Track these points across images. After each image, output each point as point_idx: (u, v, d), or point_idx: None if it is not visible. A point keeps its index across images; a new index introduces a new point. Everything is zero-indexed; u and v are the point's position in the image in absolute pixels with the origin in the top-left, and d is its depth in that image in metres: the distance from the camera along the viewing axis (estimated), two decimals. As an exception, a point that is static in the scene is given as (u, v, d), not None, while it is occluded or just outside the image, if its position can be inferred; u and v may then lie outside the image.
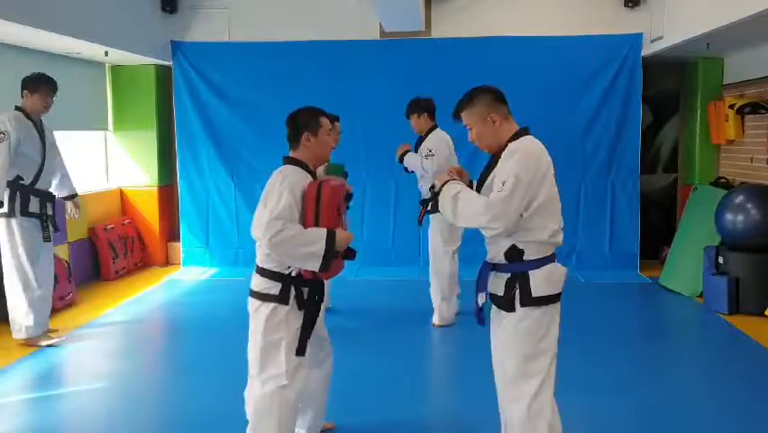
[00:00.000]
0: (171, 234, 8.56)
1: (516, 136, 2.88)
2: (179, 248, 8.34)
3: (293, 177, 3.00)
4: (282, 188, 2.94)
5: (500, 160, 2.84)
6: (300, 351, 3.03)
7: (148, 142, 8.26)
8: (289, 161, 3.13)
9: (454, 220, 2.87)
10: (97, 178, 8.26)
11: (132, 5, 7.38)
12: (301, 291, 3.04)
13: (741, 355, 5.11)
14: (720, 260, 6.21)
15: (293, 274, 3.01)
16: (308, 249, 2.89)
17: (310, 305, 3.07)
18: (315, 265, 2.92)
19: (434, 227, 5.73)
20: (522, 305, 2.78)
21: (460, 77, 7.41)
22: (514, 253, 2.79)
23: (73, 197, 5.65)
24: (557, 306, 2.86)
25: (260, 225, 2.92)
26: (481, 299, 2.92)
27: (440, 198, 2.91)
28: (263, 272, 3.05)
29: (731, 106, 7.06)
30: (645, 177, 8.16)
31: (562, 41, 7.71)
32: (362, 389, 4.39)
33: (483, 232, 2.86)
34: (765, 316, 5.86)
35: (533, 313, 2.79)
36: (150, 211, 8.36)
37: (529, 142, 2.86)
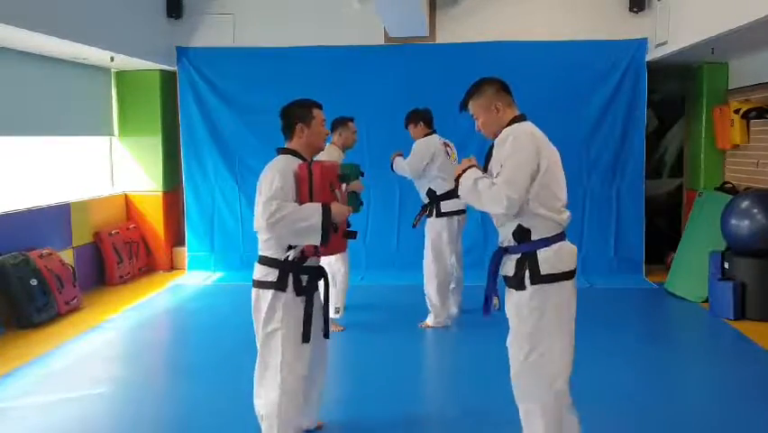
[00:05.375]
0: (176, 238, 8.57)
1: (512, 122, 2.99)
2: (184, 253, 8.36)
3: (282, 163, 3.12)
4: (272, 174, 3.06)
5: (495, 146, 2.97)
6: (305, 338, 3.09)
7: (153, 147, 8.29)
8: (282, 151, 3.24)
9: (475, 206, 2.95)
10: (102, 183, 8.28)
11: (138, 11, 7.42)
12: (299, 278, 3.10)
13: (747, 361, 5.08)
14: (726, 265, 6.18)
15: (290, 259, 3.07)
16: (306, 223, 2.98)
17: (309, 291, 3.12)
18: (315, 238, 3.00)
19: (429, 232, 5.86)
20: (532, 283, 2.85)
21: (464, 82, 7.34)
22: (521, 233, 2.87)
23: None
24: (570, 283, 2.89)
25: (258, 212, 3.03)
26: (495, 301, 3.05)
27: (461, 185, 2.98)
28: (263, 260, 3.16)
29: (736, 111, 7.04)
30: (650, 182, 8.15)
31: (567, 45, 7.71)
32: (363, 386, 4.43)
33: (492, 216, 2.99)
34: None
35: (543, 290, 2.84)
36: (155, 216, 8.38)
37: (520, 126, 2.96)
